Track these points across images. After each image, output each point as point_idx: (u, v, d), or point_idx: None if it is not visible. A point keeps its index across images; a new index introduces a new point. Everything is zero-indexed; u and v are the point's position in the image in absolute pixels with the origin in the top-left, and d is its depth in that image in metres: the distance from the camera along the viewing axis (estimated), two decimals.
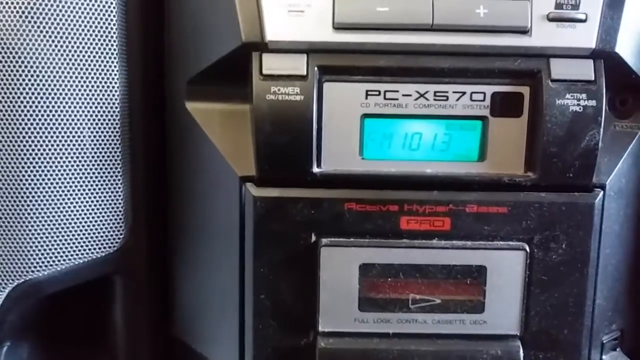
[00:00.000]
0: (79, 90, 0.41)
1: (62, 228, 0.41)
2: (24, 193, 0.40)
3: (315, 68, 0.39)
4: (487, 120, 0.41)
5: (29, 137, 0.40)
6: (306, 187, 0.41)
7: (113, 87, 0.42)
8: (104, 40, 0.41)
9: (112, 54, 0.41)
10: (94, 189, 0.42)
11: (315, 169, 0.40)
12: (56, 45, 0.40)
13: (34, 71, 0.39)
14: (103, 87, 0.42)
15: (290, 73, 0.39)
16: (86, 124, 0.41)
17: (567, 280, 0.41)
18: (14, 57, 0.39)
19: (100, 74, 0.41)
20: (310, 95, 0.39)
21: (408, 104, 0.41)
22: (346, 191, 0.41)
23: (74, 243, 0.42)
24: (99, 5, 0.41)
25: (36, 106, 0.39)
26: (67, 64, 0.40)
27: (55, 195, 0.41)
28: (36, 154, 0.40)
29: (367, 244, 0.41)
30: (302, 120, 0.40)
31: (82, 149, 0.41)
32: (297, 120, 0.40)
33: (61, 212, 0.41)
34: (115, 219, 0.43)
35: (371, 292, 0.41)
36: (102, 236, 0.43)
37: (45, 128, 0.40)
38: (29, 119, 0.39)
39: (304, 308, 0.41)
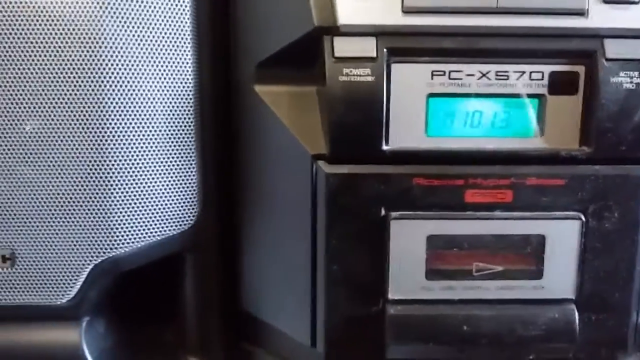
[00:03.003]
0: (155, 75, 0.43)
1: (141, 206, 0.43)
2: (106, 173, 0.42)
3: (385, 50, 0.41)
4: (545, 98, 0.43)
5: (110, 120, 0.41)
6: (375, 164, 0.43)
7: (186, 72, 0.44)
8: (177, 28, 0.43)
9: (185, 40, 0.43)
10: (170, 168, 0.44)
11: (384, 147, 0.42)
12: (133, 35, 0.41)
13: (114, 59, 0.41)
14: (177, 72, 0.43)
15: (361, 55, 0.41)
16: (161, 107, 0.43)
17: (618, 247, 0.44)
18: (95, 46, 0.40)
19: (174, 60, 0.43)
20: (381, 76, 0.41)
21: (471, 83, 0.43)
22: (413, 167, 0.43)
23: (151, 221, 0.44)
24: None
25: (116, 91, 0.41)
26: (144, 51, 0.42)
27: (135, 175, 0.43)
28: (116, 136, 0.42)
29: (434, 216, 0.43)
30: (373, 100, 0.42)
31: (157, 130, 0.43)
32: (368, 100, 0.42)
33: (140, 191, 0.43)
34: (189, 198, 0.45)
35: (437, 262, 0.44)
36: (176, 214, 0.45)
37: (125, 111, 0.42)
38: (109, 104, 0.41)
39: (374, 278, 0.44)
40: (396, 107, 0.43)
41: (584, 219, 0.43)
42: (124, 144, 0.42)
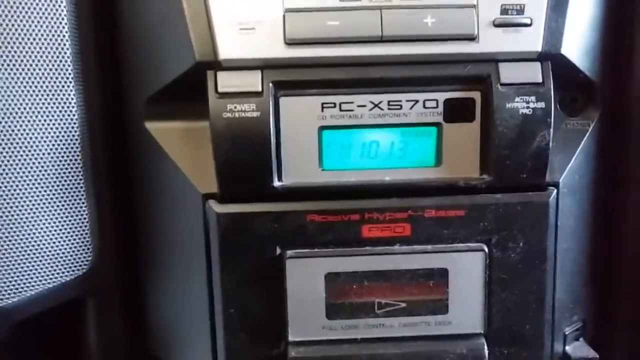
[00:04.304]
0: (36, 116, 0.41)
1: (28, 254, 0.42)
2: None
3: (270, 84, 0.40)
4: (441, 126, 0.42)
5: None
6: (268, 201, 0.41)
7: (71, 111, 0.42)
8: (59, 65, 0.41)
9: (68, 78, 0.42)
10: (59, 214, 0.43)
11: (277, 183, 0.41)
12: (8, 69, 0.40)
13: None
14: (60, 112, 0.42)
15: (246, 90, 0.40)
16: (46, 150, 0.41)
17: (526, 278, 0.43)
18: None
19: (56, 99, 0.41)
20: (267, 110, 0.40)
21: (363, 114, 0.41)
22: (308, 203, 0.41)
23: (40, 269, 0.42)
24: (51, 30, 0.41)
25: None
26: (23, 91, 0.40)
27: (19, 223, 0.41)
28: None
29: (331, 253, 0.42)
30: (259, 136, 0.40)
31: (43, 174, 0.42)
32: (255, 136, 0.40)
33: (26, 239, 0.41)
34: (82, 242, 0.44)
35: (338, 300, 0.42)
36: (69, 259, 0.43)
37: (4, 156, 0.40)
38: None
39: (274, 319, 0.42)
40: (288, 141, 0.41)
41: (487, 250, 0.42)
42: (3, 187, 0.40)
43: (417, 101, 0.41)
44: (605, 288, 0.48)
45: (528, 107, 0.41)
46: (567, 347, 0.46)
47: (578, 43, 0.42)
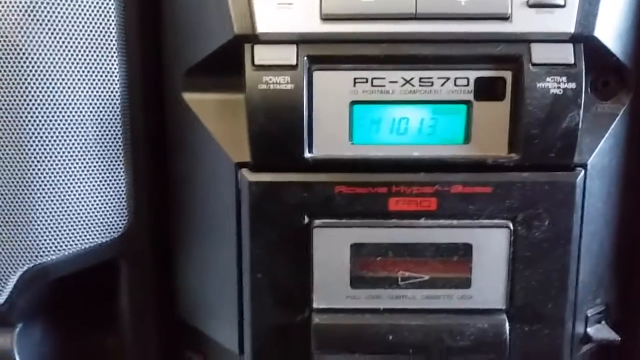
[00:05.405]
0: (81, 83, 0.43)
1: (68, 214, 0.44)
2: (31, 181, 0.42)
3: (305, 58, 0.41)
4: (471, 104, 0.42)
5: (34, 128, 0.42)
6: (298, 172, 0.42)
7: (113, 79, 0.44)
8: (104, 35, 0.43)
9: (112, 48, 0.43)
10: (98, 176, 0.44)
11: (307, 154, 0.42)
12: (58, 41, 0.42)
13: (38, 66, 0.41)
14: (103, 80, 0.44)
15: (281, 63, 0.41)
16: (88, 115, 0.43)
17: (550, 257, 0.43)
18: (18, 53, 0.41)
19: (100, 67, 0.43)
20: (301, 84, 0.41)
21: (395, 90, 0.42)
22: (336, 175, 0.43)
23: (79, 228, 0.44)
24: (98, 2, 0.43)
25: (40, 100, 0.42)
26: (69, 58, 0.42)
27: (60, 183, 0.43)
28: (39, 143, 0.42)
29: (358, 224, 0.43)
30: (293, 108, 0.41)
31: (85, 138, 0.44)
32: (289, 108, 0.41)
33: (67, 199, 0.44)
34: (118, 205, 0.46)
35: (362, 270, 0.43)
36: (106, 222, 0.45)
37: (49, 119, 0.42)
38: (33, 112, 0.41)
39: (299, 286, 0.43)
40: (320, 114, 0.42)
41: (512, 227, 0.42)
42: (48, 151, 0.42)
43: (448, 79, 0.42)
44: (630, 273, 0.48)
45: (559, 88, 0.41)
46: (588, 329, 0.46)
47: (611, 26, 0.43)
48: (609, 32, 0.42)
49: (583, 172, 0.43)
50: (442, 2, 0.41)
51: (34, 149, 0.42)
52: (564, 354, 0.44)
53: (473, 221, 0.42)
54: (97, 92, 0.43)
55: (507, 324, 0.43)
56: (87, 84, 0.43)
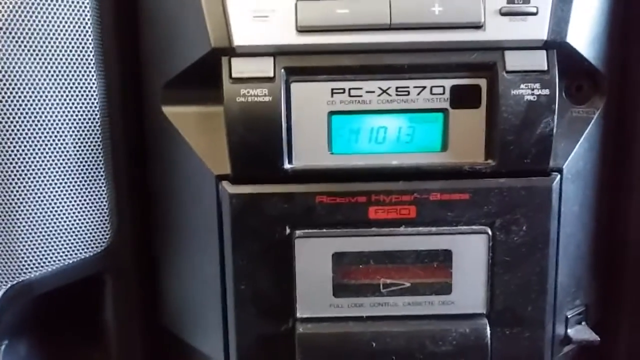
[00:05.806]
0: (59, 98, 0.43)
1: (51, 230, 0.44)
2: (12, 198, 0.42)
3: (282, 70, 0.42)
4: (447, 112, 0.43)
5: (14, 145, 0.42)
6: (279, 183, 0.43)
7: (92, 95, 0.44)
8: (81, 49, 0.43)
9: (90, 62, 0.44)
10: (79, 192, 0.45)
11: (287, 165, 0.43)
12: (33, 56, 0.42)
13: (13, 82, 0.41)
14: (82, 95, 0.44)
15: (259, 75, 0.42)
16: (68, 129, 0.44)
17: (529, 261, 0.44)
18: None
19: (78, 82, 0.43)
20: (278, 95, 0.41)
21: (372, 100, 0.43)
22: (317, 185, 0.43)
23: (62, 244, 0.44)
24: (73, 16, 0.43)
25: (18, 116, 0.42)
26: (47, 75, 0.42)
27: (42, 200, 0.43)
28: (20, 161, 0.42)
29: (339, 234, 0.43)
30: (271, 120, 0.42)
31: (64, 154, 0.44)
32: (267, 120, 0.42)
33: (49, 215, 0.44)
34: (101, 220, 0.46)
35: (344, 279, 0.44)
36: (89, 236, 0.45)
37: (28, 136, 0.42)
38: (12, 129, 0.41)
39: (282, 296, 0.44)
40: (298, 125, 0.43)
41: (490, 232, 0.43)
42: (28, 167, 0.42)
43: (424, 87, 0.43)
44: (608, 274, 0.49)
45: (533, 94, 0.42)
46: (569, 330, 0.47)
47: (584, 32, 0.43)
48: (582, 37, 0.43)
49: (559, 176, 0.43)
50: (416, 12, 0.41)
51: (14, 166, 0.42)
52: (545, 355, 0.45)
53: (452, 228, 0.43)
54: (75, 107, 0.44)
55: (488, 328, 0.44)
56: (65, 99, 0.43)
